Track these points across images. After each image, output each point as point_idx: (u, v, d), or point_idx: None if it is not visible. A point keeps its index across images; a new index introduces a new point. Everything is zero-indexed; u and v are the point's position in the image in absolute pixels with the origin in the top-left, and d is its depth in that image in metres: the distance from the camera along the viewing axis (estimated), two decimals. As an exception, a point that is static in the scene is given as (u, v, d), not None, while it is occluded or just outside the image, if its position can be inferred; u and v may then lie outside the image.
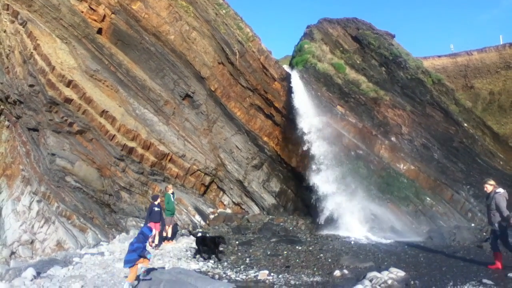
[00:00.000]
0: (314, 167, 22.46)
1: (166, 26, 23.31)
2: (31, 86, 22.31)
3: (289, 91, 23.68)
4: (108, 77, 23.44)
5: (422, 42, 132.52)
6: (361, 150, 23.66)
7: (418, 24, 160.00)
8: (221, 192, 25.79)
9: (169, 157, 23.58)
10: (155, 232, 16.55)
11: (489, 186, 11.96)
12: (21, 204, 23.27)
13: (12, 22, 23.34)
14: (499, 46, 37.17)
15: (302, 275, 12.57)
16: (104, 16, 23.14)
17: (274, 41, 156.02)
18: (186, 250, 16.50)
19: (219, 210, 25.02)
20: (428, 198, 23.03)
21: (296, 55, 25.67)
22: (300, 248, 16.90)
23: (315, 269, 13.40)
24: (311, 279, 12.06)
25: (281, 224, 22.40)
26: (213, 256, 15.23)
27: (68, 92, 21.94)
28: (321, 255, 15.51)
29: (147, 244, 11.21)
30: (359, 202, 21.85)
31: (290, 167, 24.82)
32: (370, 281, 10.40)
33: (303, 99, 23.15)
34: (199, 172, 24.48)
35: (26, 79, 22.55)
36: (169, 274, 11.13)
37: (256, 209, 25.03)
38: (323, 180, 22.22)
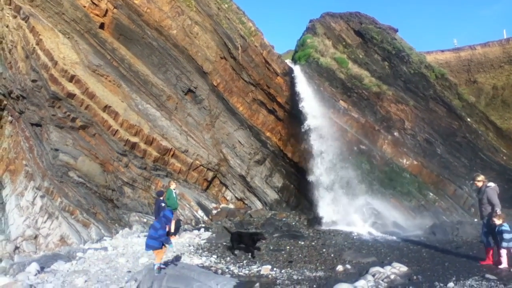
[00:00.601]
0: (316, 162, 22.45)
1: (168, 20, 23.25)
2: (33, 81, 22.32)
3: (291, 86, 23.63)
4: (111, 72, 23.42)
5: (425, 36, 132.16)
6: (364, 145, 23.63)
7: (422, 18, 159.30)
8: (224, 187, 25.81)
9: (171, 152, 23.60)
10: None
11: (479, 181, 12.19)
12: (24, 199, 23.32)
13: (15, 17, 23.31)
14: (503, 41, 37.03)
15: (305, 270, 12.60)
16: (106, 11, 23.09)
17: (277, 36, 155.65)
18: (189, 245, 16.55)
19: (221, 205, 25.05)
20: (431, 193, 23.03)
21: (299, 50, 25.61)
22: (302, 243, 16.92)
23: (317, 264, 13.44)
24: (314, 274, 12.09)
25: (284, 219, 22.42)
26: (249, 254, 14.64)
27: (71, 87, 21.93)
28: (324, 250, 15.54)
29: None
30: (362, 197, 21.87)
31: (292, 162, 24.80)
32: (373, 276, 10.42)
33: (305, 94, 23.10)
34: (202, 167, 24.49)
35: (28, 74, 22.56)
36: (172, 269, 11.18)
37: (258, 204, 25.05)
38: (326, 175, 22.23)
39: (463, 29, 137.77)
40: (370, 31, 24.84)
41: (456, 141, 23.66)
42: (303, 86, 23.20)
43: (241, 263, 13.90)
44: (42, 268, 12.51)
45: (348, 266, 12.69)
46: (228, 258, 14.61)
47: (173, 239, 17.44)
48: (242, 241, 14.95)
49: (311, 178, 22.56)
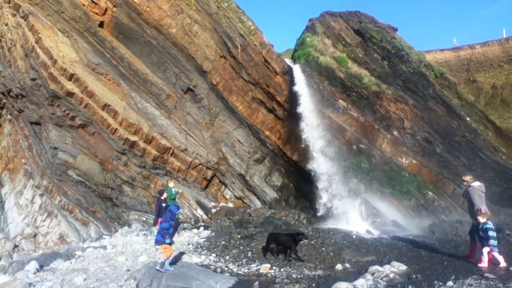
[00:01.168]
0: (316, 161, 22.44)
1: (167, 19, 23.22)
2: (33, 79, 22.30)
3: (291, 85, 23.63)
4: (110, 70, 23.41)
5: (425, 35, 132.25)
6: (363, 144, 23.63)
7: (421, 17, 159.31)
8: (223, 186, 25.82)
9: (171, 151, 23.60)
10: None
11: (464, 181, 12.38)
12: (23, 197, 23.33)
13: (14, 15, 23.29)
14: (502, 40, 37.07)
15: (304, 269, 12.60)
16: (106, 10, 23.06)
17: (276, 35, 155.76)
18: (188, 244, 16.55)
19: (221, 204, 25.05)
20: (430, 192, 23.05)
21: (298, 49, 25.61)
22: (301, 242, 16.89)
23: (317, 262, 13.44)
24: (313, 273, 12.09)
25: (283, 218, 22.43)
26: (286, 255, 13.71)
27: (70, 86, 21.92)
28: (323, 249, 15.54)
29: (173, 223, 11.30)
30: (361, 196, 21.87)
31: (292, 161, 24.80)
32: (372, 275, 10.41)
33: (305, 93, 23.09)
34: (201, 166, 24.50)
35: (28, 73, 22.54)
36: (171, 268, 11.17)
37: (258, 203, 25.05)
38: (325, 174, 22.22)
39: (463, 28, 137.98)
40: (370, 30, 24.84)
41: (456, 140, 23.67)
42: (303, 85, 23.18)
43: (241, 262, 13.90)
44: (41, 267, 12.50)
45: (347, 265, 12.69)
46: (228, 257, 14.61)
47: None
48: (280, 242, 13.97)
49: (310, 177, 22.53)
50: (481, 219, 11.16)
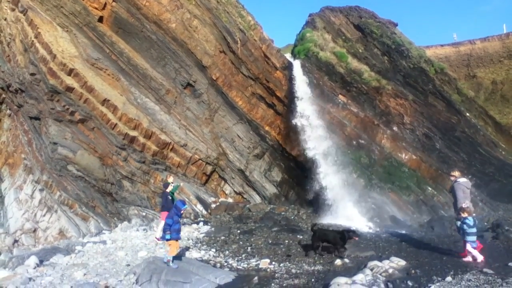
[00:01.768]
0: (315, 156, 22.45)
1: (167, 14, 23.15)
2: (32, 74, 22.25)
3: (290, 80, 23.59)
4: (110, 65, 23.35)
5: (425, 31, 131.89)
6: (362, 139, 23.63)
7: (421, 12, 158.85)
8: (223, 182, 25.83)
9: (170, 146, 23.60)
10: None
11: (452, 176, 12.80)
12: (23, 192, 23.32)
13: (13, 10, 23.20)
14: (503, 35, 36.98)
15: (303, 264, 12.63)
16: (105, 4, 22.98)
17: (276, 30, 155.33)
18: (188, 239, 16.59)
19: (220, 200, 25.09)
20: (429, 188, 23.07)
21: (298, 44, 25.53)
22: (301, 237, 16.94)
23: (316, 258, 13.46)
24: (312, 268, 12.11)
25: (283, 213, 22.46)
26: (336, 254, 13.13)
27: (70, 81, 21.88)
28: (322, 244, 15.54)
29: (175, 221, 11.24)
30: (361, 191, 21.88)
31: (291, 157, 24.80)
32: (371, 270, 10.44)
33: (304, 88, 23.06)
34: (201, 161, 24.50)
35: (27, 68, 22.48)
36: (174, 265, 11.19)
37: (257, 199, 25.08)
38: (325, 170, 22.23)
39: (463, 24, 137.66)
40: (370, 25, 24.77)
41: (455, 135, 23.67)
42: (302, 81, 23.15)
43: (240, 257, 13.93)
44: (41, 261, 12.53)
45: (347, 260, 12.71)
46: (227, 252, 14.65)
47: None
48: (327, 240, 13.42)
49: (309, 172, 22.55)
50: (463, 215, 11.34)
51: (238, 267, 12.71)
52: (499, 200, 23.21)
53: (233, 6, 24.56)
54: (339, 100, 23.61)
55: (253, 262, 13.18)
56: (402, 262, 11.15)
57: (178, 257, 11.67)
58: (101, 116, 22.29)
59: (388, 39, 24.22)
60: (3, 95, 24.88)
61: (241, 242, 16.27)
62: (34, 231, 22.05)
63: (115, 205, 23.03)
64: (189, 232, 18.02)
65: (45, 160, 22.96)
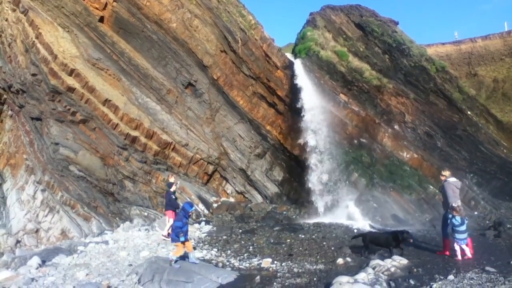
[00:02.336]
0: (317, 155, 22.44)
1: (168, 14, 23.15)
2: (33, 75, 22.27)
3: (291, 79, 23.57)
4: (111, 65, 23.37)
5: (426, 29, 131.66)
6: (364, 138, 23.60)
7: (422, 11, 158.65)
8: (224, 181, 25.84)
9: (172, 146, 23.61)
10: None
11: (442, 175, 12.73)
12: (25, 193, 23.37)
13: (14, 10, 23.23)
14: (504, 33, 36.85)
15: (305, 263, 12.63)
16: (106, 4, 23.00)
17: (277, 29, 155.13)
18: (190, 239, 16.56)
19: (222, 199, 25.09)
20: (431, 187, 23.03)
21: (299, 43, 25.50)
22: (303, 236, 16.95)
23: (318, 257, 13.46)
24: (314, 267, 12.11)
25: (284, 212, 22.47)
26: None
27: (71, 81, 21.90)
28: (324, 243, 15.56)
29: (184, 223, 11.36)
30: (362, 190, 21.86)
31: (293, 156, 24.80)
32: (373, 269, 10.43)
33: (306, 87, 23.04)
34: (202, 161, 24.51)
35: (28, 68, 22.51)
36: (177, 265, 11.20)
37: (259, 198, 25.09)
38: (326, 169, 22.22)
39: (464, 22, 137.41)
40: (371, 24, 24.71)
41: (457, 134, 23.62)
42: (303, 80, 23.13)
43: (242, 256, 13.94)
44: (43, 262, 12.55)
45: (349, 259, 12.71)
46: (229, 251, 14.66)
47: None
48: (378, 243, 12.97)
49: (311, 171, 22.54)
50: (454, 213, 11.58)
51: (240, 266, 12.71)
52: (501, 198, 23.17)
53: (234, 6, 24.54)
54: (340, 99, 23.59)
55: (255, 261, 13.19)
56: (404, 261, 11.15)
57: (183, 257, 11.69)
58: (103, 116, 22.31)
59: (389, 38, 24.16)
60: (5, 96, 24.93)
61: (243, 242, 16.28)
62: (36, 231, 22.10)
63: (117, 205, 23.06)
64: (191, 231, 17.98)
65: (47, 160, 22.99)
